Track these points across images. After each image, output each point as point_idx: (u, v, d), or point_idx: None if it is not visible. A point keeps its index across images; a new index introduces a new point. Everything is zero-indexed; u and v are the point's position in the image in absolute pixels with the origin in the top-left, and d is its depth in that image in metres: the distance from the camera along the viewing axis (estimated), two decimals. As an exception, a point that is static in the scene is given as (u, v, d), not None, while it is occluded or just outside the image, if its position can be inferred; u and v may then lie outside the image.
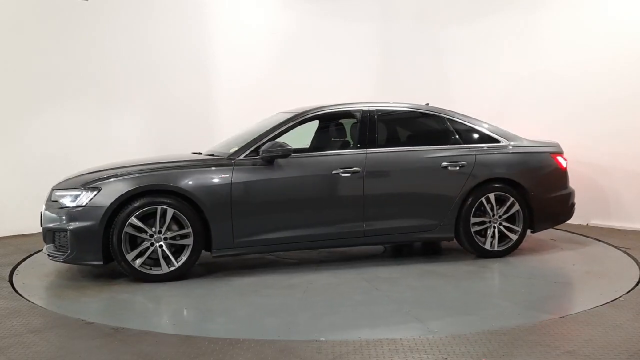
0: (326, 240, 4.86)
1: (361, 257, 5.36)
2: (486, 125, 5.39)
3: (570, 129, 6.71)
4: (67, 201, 4.43)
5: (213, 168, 4.62)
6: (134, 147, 7.12)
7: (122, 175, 4.49)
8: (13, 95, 6.57)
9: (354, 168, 4.82)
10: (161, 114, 7.85)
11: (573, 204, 5.53)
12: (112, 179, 4.45)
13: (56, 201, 4.50)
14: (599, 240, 5.92)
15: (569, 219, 5.62)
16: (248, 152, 4.74)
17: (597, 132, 6.75)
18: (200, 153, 5.19)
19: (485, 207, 5.08)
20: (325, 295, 4.16)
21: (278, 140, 4.78)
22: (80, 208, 4.35)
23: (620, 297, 3.98)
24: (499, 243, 5.13)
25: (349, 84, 8.52)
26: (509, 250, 5.17)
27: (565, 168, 5.44)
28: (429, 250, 5.71)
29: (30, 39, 6.62)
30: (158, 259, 4.42)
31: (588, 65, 6.89)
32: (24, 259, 5.33)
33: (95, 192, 4.37)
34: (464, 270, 4.80)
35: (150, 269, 4.43)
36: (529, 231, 5.31)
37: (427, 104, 5.47)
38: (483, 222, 5.11)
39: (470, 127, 5.32)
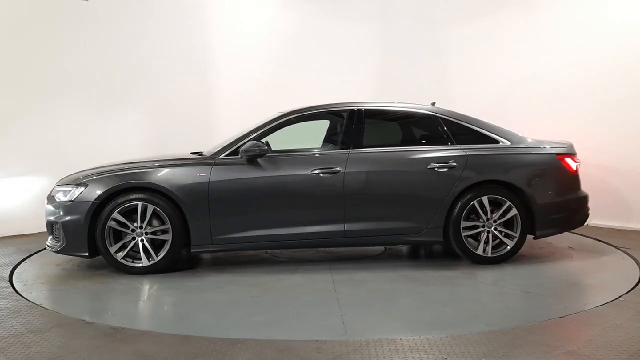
0: (305, 240, 4.83)
1: (353, 258, 5.31)
2: (486, 126, 5.10)
3: (570, 129, 6.70)
4: (60, 196, 4.77)
5: (193, 167, 4.78)
6: (135, 147, 7.13)
7: (107, 172, 4.78)
8: (13, 95, 6.57)
9: (335, 168, 4.77)
10: (162, 114, 7.87)
11: (585, 209, 5.15)
12: (97, 176, 4.76)
13: (53, 196, 4.85)
14: (599, 240, 5.91)
15: (580, 225, 5.24)
16: (229, 151, 4.86)
17: (598, 132, 6.75)
18: (198, 153, 5.22)
19: (478, 211, 4.83)
20: (278, 295, 4.17)
21: (266, 139, 4.93)
22: (70, 203, 4.68)
23: (620, 297, 3.98)
24: (495, 249, 4.89)
25: (349, 84, 8.53)
26: (505, 256, 4.88)
27: (576, 171, 5.06)
28: (440, 254, 5.56)
29: (30, 39, 6.63)
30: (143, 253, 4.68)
31: (588, 65, 6.89)
32: (24, 259, 5.34)
33: (82, 188, 4.69)
34: (444, 275, 4.61)
35: (133, 261, 4.68)
36: (530, 237, 5.04)
37: (434, 103, 5.40)
38: (476, 226, 4.86)
39: (466, 127, 5.05)
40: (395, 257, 5.48)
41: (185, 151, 5.45)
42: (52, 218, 4.76)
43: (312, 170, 4.77)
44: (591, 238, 6.03)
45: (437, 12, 8.56)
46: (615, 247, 5.60)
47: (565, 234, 5.96)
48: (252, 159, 4.77)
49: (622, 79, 6.61)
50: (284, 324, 3.53)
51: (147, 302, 4.18)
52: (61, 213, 4.69)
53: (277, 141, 5.43)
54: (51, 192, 4.95)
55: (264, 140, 5.16)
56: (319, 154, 4.97)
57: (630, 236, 6.18)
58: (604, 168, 6.70)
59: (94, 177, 4.75)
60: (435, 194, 4.82)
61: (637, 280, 4.40)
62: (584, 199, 5.15)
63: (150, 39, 7.74)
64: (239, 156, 4.79)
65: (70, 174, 5.06)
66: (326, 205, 4.78)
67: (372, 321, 3.60)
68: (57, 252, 4.76)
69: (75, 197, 4.67)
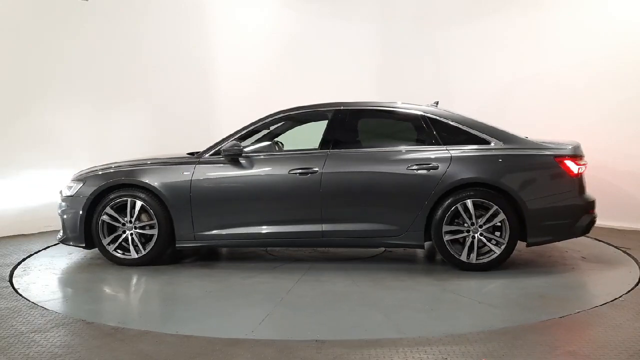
0: (284, 239, 4.88)
1: (343, 259, 5.27)
2: (478, 126, 4.83)
3: (569, 129, 6.69)
4: (66, 190, 5.16)
5: (178, 166, 4.98)
6: (135, 147, 7.12)
7: (102, 170, 5.12)
8: (13, 96, 6.57)
9: (313, 168, 4.76)
10: (162, 114, 7.86)
11: (589, 216, 4.71)
12: (93, 174, 5.10)
13: (61, 191, 5.23)
14: (599, 240, 5.90)
15: (583, 233, 4.77)
16: (213, 151, 5.02)
17: (597, 132, 6.74)
18: (194, 153, 5.27)
19: (462, 215, 4.61)
20: (231, 292, 4.26)
21: (278, 139, 5.06)
22: (71, 197, 5.06)
23: (620, 297, 3.98)
24: (483, 255, 4.64)
25: (350, 85, 8.52)
26: (492, 263, 4.60)
27: (578, 174, 4.65)
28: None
29: (30, 39, 6.62)
30: (135, 246, 4.96)
31: (590, 65, 6.88)
32: (24, 259, 5.34)
33: (81, 184, 5.05)
34: (416, 281, 4.44)
35: (124, 254, 4.97)
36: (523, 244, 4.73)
37: (437, 102, 5.35)
38: (459, 231, 4.63)
39: (456, 127, 4.81)
40: (387, 259, 5.29)
41: (182, 151, 5.50)
42: (59, 211, 5.16)
43: (290, 170, 4.79)
44: (591, 238, 6.00)
45: (437, 13, 8.55)
46: (616, 247, 5.60)
47: (581, 238, 5.34)
48: (232, 159, 4.89)
49: (624, 80, 6.60)
50: (203, 321, 3.64)
51: (95, 292, 4.39)
52: (64, 206, 5.10)
53: (283, 141, 5.52)
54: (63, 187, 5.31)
55: (276, 140, 5.36)
56: (300, 154, 4.97)
57: (630, 236, 6.18)
58: (604, 168, 6.70)
59: (91, 174, 5.10)
60: (414, 196, 4.65)
61: (637, 280, 4.39)
62: (588, 205, 4.72)
63: (150, 38, 7.74)
64: (221, 156, 4.92)
65: (81, 170, 5.37)
66: (304, 205, 4.79)
67: (289, 323, 3.59)
68: (61, 242, 5.17)
69: (75, 192, 5.03)
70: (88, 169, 5.31)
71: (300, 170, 4.78)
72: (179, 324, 3.55)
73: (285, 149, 5.47)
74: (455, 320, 3.62)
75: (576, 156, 4.72)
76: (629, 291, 4.12)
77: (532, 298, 4.03)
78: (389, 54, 9.01)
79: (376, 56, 9.06)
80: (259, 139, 5.46)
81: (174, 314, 3.88)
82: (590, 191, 4.88)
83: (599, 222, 4.88)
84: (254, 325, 3.50)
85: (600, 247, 5.65)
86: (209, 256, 5.49)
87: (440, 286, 4.33)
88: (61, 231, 5.18)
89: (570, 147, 4.77)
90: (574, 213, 4.69)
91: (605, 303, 3.84)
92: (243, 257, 5.45)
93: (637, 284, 4.29)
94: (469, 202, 4.60)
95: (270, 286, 4.39)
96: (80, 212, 4.95)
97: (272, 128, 5.41)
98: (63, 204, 5.12)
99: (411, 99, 5.53)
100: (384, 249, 5.57)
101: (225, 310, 3.87)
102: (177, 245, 4.94)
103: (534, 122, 7.02)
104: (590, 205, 4.75)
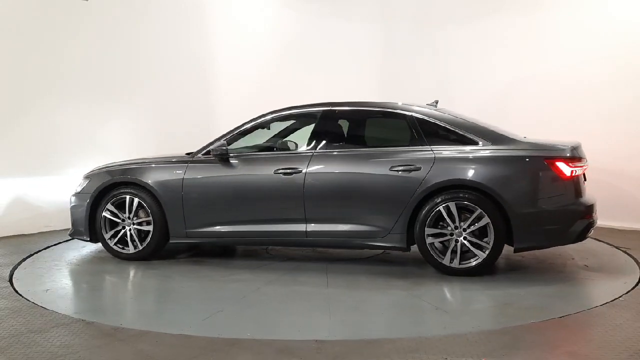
0: (269, 238, 4.94)
1: (336, 259, 5.23)
2: (467, 126, 4.66)
3: (569, 129, 6.69)
4: (77, 187, 5.44)
5: (171, 165, 5.17)
6: (135, 147, 7.13)
7: (105, 168, 5.40)
8: (13, 95, 6.56)
9: (297, 168, 4.77)
10: (163, 114, 7.86)
11: (584, 222, 4.42)
12: (98, 172, 5.38)
13: (75, 188, 5.49)
14: (599, 240, 5.89)
15: (577, 239, 4.48)
16: (205, 151, 5.14)
17: (597, 132, 6.74)
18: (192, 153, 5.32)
19: (446, 218, 4.45)
20: (202, 288, 4.42)
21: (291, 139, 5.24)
22: (78, 194, 5.36)
23: (620, 297, 3.97)
24: (468, 260, 4.45)
25: (350, 85, 8.52)
26: (476, 268, 4.41)
27: (571, 177, 4.38)
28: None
29: (30, 39, 6.62)
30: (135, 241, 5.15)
31: (587, 65, 6.88)
32: (24, 259, 5.34)
33: (87, 181, 5.34)
34: (391, 285, 4.34)
35: (123, 248, 5.17)
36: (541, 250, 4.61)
37: (436, 102, 5.34)
38: (442, 234, 4.49)
39: (443, 127, 4.68)
40: (382, 261, 5.17)
41: (182, 151, 5.53)
42: (69, 206, 5.42)
43: (275, 170, 4.82)
44: (591, 238, 5.92)
45: (437, 13, 8.55)
46: (616, 247, 5.59)
47: (589, 243, 5.19)
48: (221, 158, 4.99)
49: (624, 80, 6.59)
50: (151, 314, 3.85)
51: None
52: (73, 202, 5.38)
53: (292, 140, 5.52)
54: None
55: (287, 140, 5.41)
56: (286, 154, 5.07)
57: (630, 236, 6.18)
58: (604, 168, 6.69)
59: (95, 172, 5.40)
60: (396, 198, 4.56)
61: (637, 280, 4.39)
62: (583, 210, 4.44)
63: (150, 38, 7.73)
64: (211, 155, 5.03)
65: (93, 168, 5.62)
66: (288, 205, 4.82)
67: (228, 321, 3.60)
68: (70, 236, 5.45)
69: (81, 189, 5.33)
70: (98, 166, 5.53)
71: (284, 170, 4.80)
72: (126, 316, 3.78)
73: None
74: (393, 324, 3.62)
75: (571, 158, 4.42)
76: (629, 291, 4.11)
77: (495, 306, 3.89)
78: (389, 54, 9.01)
79: (376, 56, 9.05)
80: (269, 139, 5.49)
81: (131, 307, 4.06)
82: (590, 192, 4.69)
83: (598, 222, 4.65)
84: (197, 322, 3.57)
85: (609, 255, 5.32)
86: (208, 253, 5.56)
87: (408, 290, 4.22)
88: (71, 226, 5.40)
89: (564, 148, 4.47)
90: (566, 218, 4.43)
91: (606, 303, 3.82)
92: (241, 254, 5.52)
93: (637, 284, 4.28)
94: (452, 205, 4.45)
95: (243, 284, 4.43)
96: (85, 208, 5.20)
97: (271, 128, 5.42)
98: (73, 199, 5.37)
99: (411, 99, 5.50)
100: (382, 250, 5.48)
101: (184, 305, 4.00)
102: (170, 242, 5.10)
103: (533, 122, 7.01)
104: (587, 210, 4.45)
